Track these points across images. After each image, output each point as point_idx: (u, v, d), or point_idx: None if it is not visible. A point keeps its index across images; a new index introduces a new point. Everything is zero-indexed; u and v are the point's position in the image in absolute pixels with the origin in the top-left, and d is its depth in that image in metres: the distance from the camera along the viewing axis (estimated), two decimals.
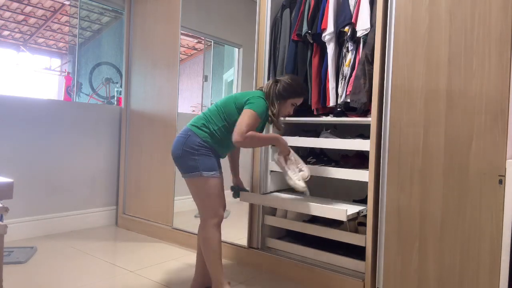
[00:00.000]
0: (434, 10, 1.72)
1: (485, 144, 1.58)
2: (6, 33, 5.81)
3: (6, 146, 2.69)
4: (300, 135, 2.28)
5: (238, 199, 2.16)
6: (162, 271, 2.25)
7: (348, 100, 2.03)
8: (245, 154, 2.22)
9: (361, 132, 2.36)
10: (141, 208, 3.11)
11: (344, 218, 1.82)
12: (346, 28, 2.04)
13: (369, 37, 1.95)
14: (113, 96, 4.00)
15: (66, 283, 2.01)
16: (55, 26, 5.88)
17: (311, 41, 2.21)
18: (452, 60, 1.67)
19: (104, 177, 3.26)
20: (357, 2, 2.02)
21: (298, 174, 1.92)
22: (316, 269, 2.07)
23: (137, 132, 3.17)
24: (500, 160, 1.55)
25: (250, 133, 1.76)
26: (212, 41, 4.00)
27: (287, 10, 2.32)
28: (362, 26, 1.97)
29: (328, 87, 2.12)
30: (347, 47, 2.07)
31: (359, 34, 1.99)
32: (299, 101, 1.97)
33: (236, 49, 3.99)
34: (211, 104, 4.04)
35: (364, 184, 1.98)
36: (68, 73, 4.78)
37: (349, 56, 2.06)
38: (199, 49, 4.13)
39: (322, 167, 2.16)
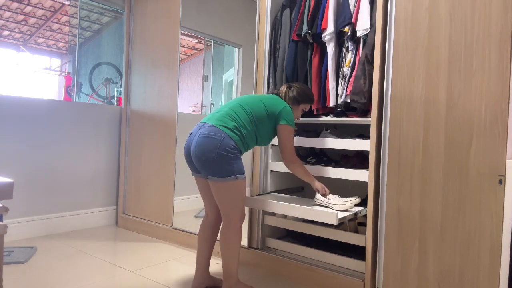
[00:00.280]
0: (434, 10, 1.72)
1: (485, 144, 1.58)
2: (6, 33, 5.81)
3: (6, 146, 2.70)
4: (300, 135, 2.28)
5: None
6: (162, 271, 2.25)
7: (348, 100, 2.03)
8: (245, 154, 2.22)
9: (361, 132, 2.36)
10: (141, 208, 3.11)
11: (334, 222, 1.79)
12: (346, 28, 2.05)
13: (369, 37, 1.95)
14: (113, 96, 4.00)
15: (66, 283, 2.01)
16: (55, 26, 5.88)
17: (311, 41, 2.21)
18: (452, 60, 1.67)
19: (104, 177, 3.26)
20: (357, 2, 2.02)
21: (341, 200, 1.96)
22: (316, 269, 2.07)
23: (137, 132, 3.17)
24: (500, 160, 1.55)
25: (299, 160, 1.97)
26: (212, 41, 4.00)
27: (287, 10, 2.32)
28: (362, 26, 1.97)
29: (328, 87, 2.12)
30: (347, 47, 2.07)
31: (359, 34, 1.99)
32: (308, 107, 2.10)
33: (236, 49, 3.99)
34: (216, 105, 4.05)
35: (364, 184, 1.98)
36: (68, 73, 4.78)
37: (349, 56, 2.06)
38: (199, 49, 4.13)
39: (322, 167, 2.16)
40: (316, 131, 2.35)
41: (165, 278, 2.13)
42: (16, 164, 2.75)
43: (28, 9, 5.40)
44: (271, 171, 2.36)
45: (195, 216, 3.32)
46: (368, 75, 1.93)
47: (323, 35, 2.11)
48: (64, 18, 5.73)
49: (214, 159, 1.74)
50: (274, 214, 2.39)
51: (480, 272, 1.60)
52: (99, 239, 2.85)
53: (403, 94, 1.81)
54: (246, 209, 2.38)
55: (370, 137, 1.90)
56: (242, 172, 1.81)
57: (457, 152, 1.65)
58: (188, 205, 3.35)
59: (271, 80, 2.34)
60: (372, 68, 1.91)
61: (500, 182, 1.54)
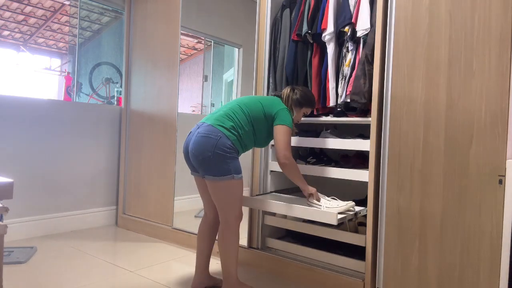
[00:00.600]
0: (434, 10, 1.72)
1: (485, 144, 1.58)
2: (6, 33, 5.81)
3: (6, 146, 2.69)
4: (300, 135, 2.28)
5: None
6: (162, 271, 2.25)
7: (348, 100, 2.03)
8: (245, 154, 2.22)
9: (361, 132, 2.36)
10: (141, 208, 3.11)
11: (334, 222, 1.79)
12: (346, 28, 2.05)
13: (369, 37, 1.95)
14: (113, 96, 4.00)
15: (66, 283, 2.01)
16: (55, 26, 5.88)
17: (311, 41, 2.21)
18: (452, 60, 1.67)
19: (104, 177, 3.26)
20: (357, 2, 2.02)
21: (332, 202, 1.94)
22: (316, 269, 2.07)
23: (137, 132, 3.17)
24: (500, 160, 1.55)
25: (293, 160, 1.88)
26: (212, 41, 4.00)
27: (287, 10, 2.32)
28: (362, 26, 1.97)
29: (328, 87, 2.12)
30: (347, 47, 2.07)
31: (359, 34, 1.99)
32: (309, 110, 2.07)
33: (236, 49, 3.99)
34: (216, 105, 4.05)
35: (364, 184, 1.98)
36: (68, 73, 4.78)
37: (349, 56, 2.06)
38: (199, 49, 4.13)
39: (322, 167, 2.16)
40: (316, 131, 2.35)
41: (165, 278, 2.13)
42: (16, 164, 2.75)
43: (28, 9, 5.40)
44: (271, 171, 2.36)
45: (195, 216, 3.32)
46: (368, 75, 1.93)
47: (323, 35, 2.11)
48: (64, 18, 5.73)
49: (211, 158, 1.75)
50: (274, 214, 2.39)
51: (480, 272, 1.60)
52: (99, 239, 2.85)
53: (403, 94, 1.81)
54: (246, 209, 2.38)
55: (370, 137, 1.90)
56: (238, 172, 1.81)
57: (457, 152, 1.65)
58: (188, 205, 3.35)
59: (271, 80, 2.34)
60: (372, 68, 1.91)
61: (500, 182, 1.54)
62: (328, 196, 2.02)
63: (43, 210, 2.89)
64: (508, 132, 1.54)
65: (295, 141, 2.22)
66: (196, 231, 2.65)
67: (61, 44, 6.31)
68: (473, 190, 1.61)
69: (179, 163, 2.81)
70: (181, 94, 2.95)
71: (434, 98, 1.72)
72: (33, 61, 6.14)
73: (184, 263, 2.40)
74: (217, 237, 1.94)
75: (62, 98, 4.46)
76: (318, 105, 2.20)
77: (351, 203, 1.93)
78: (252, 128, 1.88)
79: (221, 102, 4.13)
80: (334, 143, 2.10)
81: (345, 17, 2.05)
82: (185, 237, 2.71)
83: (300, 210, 1.90)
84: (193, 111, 3.89)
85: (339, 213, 1.84)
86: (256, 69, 2.38)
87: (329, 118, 2.17)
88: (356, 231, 2.11)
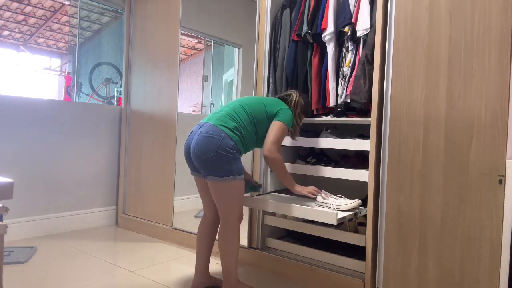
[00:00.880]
0: (434, 10, 1.72)
1: (485, 144, 1.58)
2: (6, 33, 5.81)
3: (6, 146, 2.69)
4: (300, 135, 2.28)
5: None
6: (162, 271, 2.25)
7: (348, 100, 2.03)
8: (245, 154, 2.23)
9: (361, 132, 2.36)
10: (141, 208, 3.11)
11: (334, 222, 1.79)
12: (346, 28, 2.05)
13: (369, 37, 1.95)
14: (113, 96, 4.00)
15: (66, 283, 2.01)
16: (55, 26, 5.88)
17: (311, 41, 2.21)
18: (452, 60, 1.67)
19: (104, 177, 3.26)
20: (357, 2, 2.02)
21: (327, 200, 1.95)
22: (316, 269, 2.07)
23: (137, 132, 3.17)
24: (500, 160, 1.55)
25: (279, 155, 1.85)
26: (212, 41, 3.99)
27: (287, 10, 2.32)
28: (362, 26, 1.97)
29: (328, 87, 2.12)
30: (347, 47, 2.07)
31: (359, 34, 1.99)
32: (303, 118, 2.09)
33: (236, 49, 3.99)
34: (216, 105, 4.05)
35: (364, 184, 1.98)
36: (68, 73, 4.78)
37: (349, 56, 2.06)
38: (199, 49, 4.13)
39: (322, 167, 2.16)
40: (316, 131, 2.35)
41: (165, 278, 2.13)
42: (16, 164, 2.75)
43: (28, 9, 5.40)
44: (271, 171, 2.36)
45: (195, 216, 3.32)
46: (368, 75, 1.93)
47: (323, 35, 2.11)
48: (64, 18, 5.73)
49: (213, 159, 1.74)
50: (274, 214, 2.39)
51: (480, 272, 1.60)
52: (99, 239, 2.85)
53: (403, 94, 1.81)
54: (246, 209, 2.38)
55: (370, 137, 1.90)
56: (241, 173, 1.81)
57: (457, 152, 1.65)
58: (188, 205, 3.35)
59: (271, 80, 2.34)
60: (372, 68, 1.91)
61: (500, 182, 1.54)
62: (335, 195, 2.03)
63: (43, 210, 2.89)
64: (508, 132, 1.54)
65: (295, 141, 2.22)
66: (196, 231, 2.65)
67: (61, 44, 6.31)
68: (473, 190, 1.61)
69: (179, 163, 2.81)
70: (181, 94, 2.95)
71: (434, 98, 1.72)
72: (33, 61, 6.14)
73: (184, 263, 2.40)
74: (217, 237, 1.94)
75: (62, 98, 4.46)
76: (318, 105, 2.20)
77: (358, 201, 1.95)
78: (255, 129, 1.88)
79: (221, 102, 4.13)
80: (334, 143, 2.10)
81: (345, 17, 2.05)
82: (185, 237, 2.71)
83: (300, 210, 1.89)
84: (193, 111, 3.89)
85: (342, 211, 1.86)
86: (256, 69, 2.38)
87: (329, 118, 2.16)
88: (356, 231, 2.11)
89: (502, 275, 1.54)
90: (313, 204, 2.00)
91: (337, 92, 2.11)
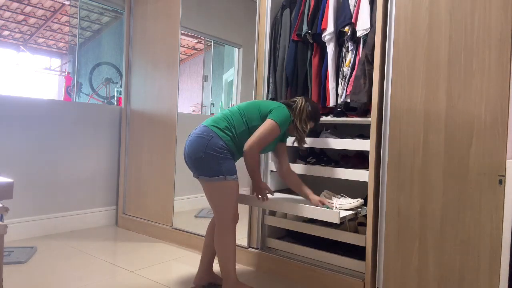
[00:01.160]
0: (434, 10, 1.72)
1: (485, 144, 1.58)
2: (6, 33, 5.81)
3: (6, 146, 2.69)
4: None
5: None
6: (162, 271, 2.25)
7: (348, 100, 2.03)
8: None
9: (361, 132, 2.36)
10: (141, 208, 3.11)
11: (337, 221, 1.79)
12: (346, 28, 2.05)
13: (369, 37, 1.95)
14: (113, 96, 4.00)
15: (66, 283, 2.01)
16: (55, 26, 5.88)
17: (311, 41, 2.21)
18: (452, 60, 1.67)
19: (104, 177, 3.26)
20: (357, 2, 2.02)
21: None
22: (316, 269, 2.07)
23: (137, 132, 3.17)
24: (500, 160, 1.55)
25: (257, 154, 1.85)
26: (212, 41, 3.99)
27: (287, 10, 2.32)
28: (362, 26, 1.97)
29: (328, 87, 2.12)
30: (347, 47, 2.07)
31: (359, 34, 1.99)
32: (313, 125, 2.03)
33: (236, 49, 3.99)
34: (216, 105, 4.05)
35: (364, 184, 1.98)
36: (68, 73, 4.78)
37: (349, 56, 2.06)
38: (199, 49, 4.13)
39: (322, 167, 2.16)
40: (316, 131, 2.35)
41: (165, 278, 2.13)
42: (16, 164, 2.75)
43: (28, 9, 5.40)
44: (271, 171, 2.36)
45: (195, 216, 3.32)
46: (368, 75, 1.93)
47: (323, 35, 2.11)
48: (64, 18, 5.73)
49: (202, 158, 1.75)
50: (274, 214, 2.39)
51: (480, 272, 1.60)
52: (99, 239, 2.85)
53: (403, 94, 1.81)
54: (246, 209, 2.38)
55: (370, 137, 1.90)
56: (232, 173, 1.79)
57: (457, 152, 1.65)
58: (188, 205, 3.35)
59: (271, 80, 2.34)
60: (372, 68, 1.91)
61: (500, 182, 1.54)
62: (338, 194, 2.05)
63: (43, 210, 2.89)
64: (508, 132, 1.54)
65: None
66: (196, 231, 2.66)
67: (61, 44, 6.32)
68: (473, 190, 1.61)
69: (179, 163, 2.81)
70: (181, 94, 2.95)
71: (434, 98, 1.72)
72: (33, 61, 6.14)
73: (184, 263, 2.40)
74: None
75: (62, 98, 4.46)
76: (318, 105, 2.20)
77: (361, 200, 1.96)
78: (247, 128, 1.86)
79: (221, 102, 4.13)
80: (334, 143, 2.10)
81: (345, 17, 2.05)
82: (185, 237, 2.71)
83: (302, 209, 1.90)
84: (193, 111, 3.89)
85: (344, 210, 1.88)
86: (256, 69, 2.38)
87: (329, 118, 2.16)
88: (356, 231, 2.11)
89: (502, 275, 1.54)
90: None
91: (337, 92, 2.11)
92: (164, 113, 2.94)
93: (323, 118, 2.18)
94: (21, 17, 5.58)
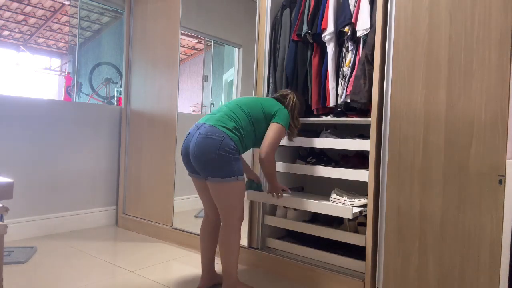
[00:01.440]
0: (434, 10, 1.72)
1: (485, 144, 1.58)
2: (6, 33, 5.82)
3: (6, 146, 2.69)
4: (300, 135, 2.28)
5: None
6: (162, 271, 2.25)
7: (348, 100, 2.03)
8: (245, 154, 2.23)
9: (361, 132, 2.36)
10: (141, 208, 3.11)
11: (350, 216, 1.88)
12: (346, 28, 2.04)
13: (369, 37, 1.95)
14: (113, 96, 4.00)
15: (66, 283, 2.01)
16: (55, 26, 5.88)
17: (311, 41, 2.21)
18: (452, 60, 1.67)
19: (104, 177, 3.26)
20: (357, 2, 2.02)
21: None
22: (316, 269, 2.07)
23: (137, 132, 3.17)
24: (500, 160, 1.55)
25: (274, 159, 1.89)
26: (212, 41, 3.99)
27: (287, 10, 2.32)
28: (362, 26, 1.97)
29: (328, 87, 2.12)
30: (347, 47, 2.07)
31: (359, 34, 1.99)
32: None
33: (236, 49, 3.99)
34: (216, 105, 4.05)
35: (364, 184, 1.98)
36: (68, 73, 4.78)
37: (349, 56, 2.06)
38: (199, 49, 4.13)
39: (322, 167, 2.16)
40: (316, 131, 2.35)
41: (165, 278, 2.13)
42: (16, 164, 2.75)
43: (28, 9, 5.40)
44: None
45: (195, 216, 3.32)
46: (368, 75, 1.93)
47: (323, 35, 2.11)
48: (64, 18, 5.73)
49: (215, 160, 1.73)
50: (274, 214, 2.39)
51: (480, 272, 1.60)
52: (99, 239, 2.85)
53: (403, 94, 1.81)
54: (246, 209, 2.38)
55: (370, 137, 1.90)
56: (242, 173, 1.81)
57: (457, 152, 1.65)
58: (188, 205, 3.35)
59: (271, 80, 2.34)
60: (372, 68, 1.91)
61: (500, 182, 1.54)
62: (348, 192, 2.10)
63: (43, 210, 2.89)
64: (508, 132, 1.54)
65: (295, 141, 2.22)
66: (196, 231, 2.66)
67: (61, 44, 6.32)
68: (473, 190, 1.61)
69: (179, 163, 2.81)
70: (181, 94, 2.95)
71: (434, 98, 1.72)
72: (33, 61, 6.14)
73: (184, 263, 2.40)
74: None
75: (62, 98, 4.46)
76: (318, 105, 2.20)
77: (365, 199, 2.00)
78: (253, 128, 1.88)
79: (221, 102, 4.13)
80: (334, 143, 2.10)
81: (345, 17, 2.05)
82: (185, 237, 2.71)
83: (317, 205, 1.97)
84: (193, 111, 3.89)
85: (355, 206, 1.93)
86: (256, 69, 2.38)
87: (329, 118, 2.16)
88: (356, 231, 2.11)
89: (502, 275, 1.54)
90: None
91: (337, 92, 2.11)
92: (164, 113, 2.94)
93: (323, 118, 2.18)
94: (21, 17, 5.58)
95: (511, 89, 1.54)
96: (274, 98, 2.05)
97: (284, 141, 2.16)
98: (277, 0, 2.39)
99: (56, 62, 6.37)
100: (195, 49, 4.18)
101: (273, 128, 1.87)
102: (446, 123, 1.68)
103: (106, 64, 4.30)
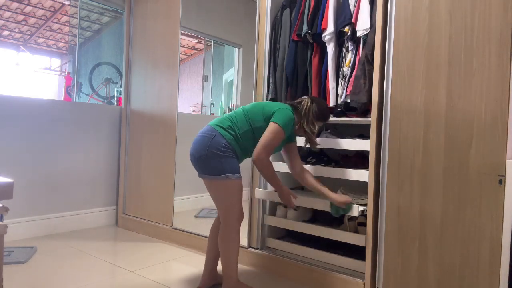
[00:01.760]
0: (434, 10, 1.72)
1: (485, 144, 1.58)
2: (6, 33, 5.81)
3: (6, 146, 2.69)
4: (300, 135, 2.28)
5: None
6: (162, 271, 2.25)
7: (348, 100, 2.03)
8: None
9: (361, 132, 2.36)
10: (141, 208, 3.11)
11: (356, 214, 1.90)
12: (346, 28, 2.04)
13: (369, 37, 1.95)
14: (113, 96, 4.00)
15: (66, 283, 2.01)
16: (55, 26, 5.88)
17: (311, 41, 2.21)
18: (452, 60, 1.67)
19: (104, 177, 3.26)
20: (357, 2, 2.02)
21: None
22: (316, 269, 2.07)
23: (137, 132, 3.17)
24: (500, 160, 1.55)
25: (268, 160, 1.80)
26: (212, 41, 4.00)
27: (287, 10, 2.32)
28: (362, 26, 1.97)
29: (328, 87, 2.12)
30: (347, 47, 2.07)
31: (359, 34, 1.99)
32: (321, 124, 1.98)
33: (236, 49, 3.99)
34: (216, 105, 4.05)
35: (364, 184, 1.98)
36: (68, 73, 4.78)
37: (349, 56, 2.06)
38: (199, 49, 4.13)
39: (322, 167, 2.16)
40: None
41: (165, 278, 2.13)
42: (16, 164, 2.75)
43: (28, 9, 5.40)
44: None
45: (195, 216, 3.32)
46: (368, 75, 1.93)
47: (323, 35, 2.11)
48: (64, 18, 5.73)
49: (205, 157, 1.77)
50: (274, 214, 2.39)
51: (480, 272, 1.60)
52: (99, 239, 2.85)
53: (403, 94, 1.81)
54: (246, 209, 2.38)
55: (370, 137, 1.90)
56: (235, 172, 1.79)
57: (457, 152, 1.65)
58: (188, 205, 3.35)
59: (271, 80, 2.34)
60: (372, 68, 1.91)
61: (500, 182, 1.54)
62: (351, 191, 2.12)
63: (43, 210, 2.89)
64: (508, 132, 1.54)
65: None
66: (196, 231, 2.66)
67: (61, 44, 6.32)
68: (473, 190, 1.61)
69: (179, 163, 2.81)
70: (181, 94, 2.95)
71: (434, 98, 1.72)
72: (33, 61, 6.14)
73: (184, 263, 2.40)
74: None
75: (62, 98, 4.46)
76: None
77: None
78: (250, 128, 1.85)
79: (221, 102, 4.13)
80: (334, 143, 2.10)
81: (345, 17, 2.05)
82: (185, 237, 2.71)
83: (322, 204, 2.00)
84: (193, 111, 3.89)
85: (361, 205, 1.93)
86: (256, 69, 2.38)
87: (329, 118, 2.16)
88: (356, 231, 2.11)
89: (502, 275, 1.54)
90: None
91: (337, 92, 2.11)
92: (164, 113, 2.94)
93: None
94: (21, 17, 5.58)
95: (511, 89, 1.54)
96: (289, 103, 1.96)
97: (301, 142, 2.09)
98: (277, 0, 2.39)
99: (56, 62, 6.36)
100: (195, 49, 4.18)
101: (268, 128, 1.81)
102: (446, 123, 1.68)
103: (106, 64, 4.30)
